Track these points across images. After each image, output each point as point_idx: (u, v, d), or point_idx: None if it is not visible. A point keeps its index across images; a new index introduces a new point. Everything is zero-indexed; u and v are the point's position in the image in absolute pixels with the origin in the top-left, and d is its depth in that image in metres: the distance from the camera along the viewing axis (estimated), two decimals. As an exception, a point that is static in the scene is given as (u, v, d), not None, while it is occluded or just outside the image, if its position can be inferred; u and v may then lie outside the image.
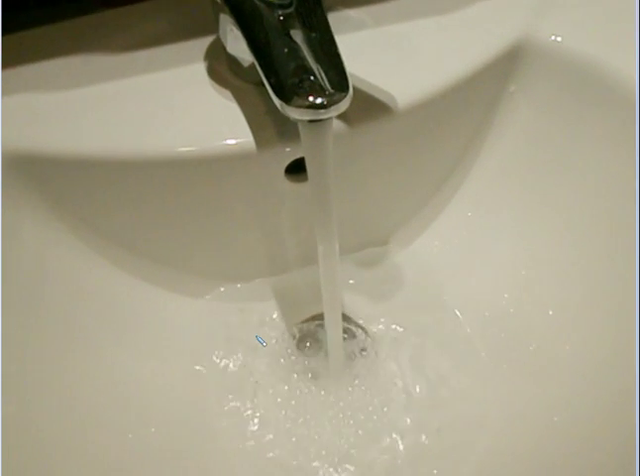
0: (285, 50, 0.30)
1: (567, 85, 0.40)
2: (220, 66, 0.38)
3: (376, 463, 0.40)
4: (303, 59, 0.29)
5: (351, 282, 0.47)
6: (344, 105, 0.28)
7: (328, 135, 0.30)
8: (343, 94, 0.28)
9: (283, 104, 0.28)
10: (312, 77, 0.29)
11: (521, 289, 0.44)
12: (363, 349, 0.44)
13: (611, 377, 0.38)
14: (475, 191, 0.46)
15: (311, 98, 0.28)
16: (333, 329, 0.40)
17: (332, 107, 0.28)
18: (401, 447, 0.40)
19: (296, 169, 0.39)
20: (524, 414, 0.41)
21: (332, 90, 0.28)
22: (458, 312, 0.45)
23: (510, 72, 0.41)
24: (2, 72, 0.37)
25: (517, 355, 0.43)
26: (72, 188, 0.37)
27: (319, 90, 0.28)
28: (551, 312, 0.43)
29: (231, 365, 0.43)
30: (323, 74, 0.29)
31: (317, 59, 0.29)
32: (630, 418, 0.35)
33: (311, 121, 0.29)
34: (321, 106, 0.28)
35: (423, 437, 0.41)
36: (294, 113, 0.28)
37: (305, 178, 0.39)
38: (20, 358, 0.34)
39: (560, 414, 0.39)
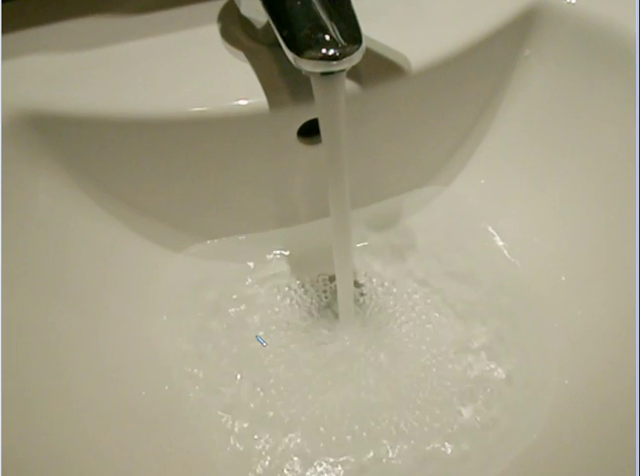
0: (298, 3, 0.30)
1: (581, 48, 0.40)
2: (233, 28, 0.38)
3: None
4: (316, 13, 0.29)
5: (360, 244, 0.47)
6: (356, 57, 0.28)
7: (341, 89, 0.30)
8: (355, 47, 0.28)
9: (296, 57, 0.28)
10: (325, 31, 0.29)
11: (533, 255, 0.44)
12: (373, 305, 0.45)
13: (623, 343, 0.38)
14: (488, 157, 0.46)
15: (324, 50, 0.28)
16: (344, 288, 0.40)
17: (344, 59, 0.28)
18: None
19: (309, 132, 0.39)
20: (536, 379, 0.41)
21: (344, 43, 0.28)
22: (470, 279, 0.45)
23: (525, 36, 0.41)
24: (16, 34, 0.38)
25: (529, 321, 0.43)
26: (86, 147, 0.37)
27: (332, 43, 0.28)
28: (563, 278, 0.43)
29: (240, 318, 0.44)
30: (336, 28, 0.29)
31: (330, 14, 0.29)
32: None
33: (324, 74, 0.29)
34: (333, 58, 0.28)
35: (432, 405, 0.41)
36: (307, 65, 0.28)
37: (317, 141, 0.40)
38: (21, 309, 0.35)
39: (570, 377, 0.39)
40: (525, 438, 0.39)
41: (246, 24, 0.38)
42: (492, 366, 0.42)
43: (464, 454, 0.39)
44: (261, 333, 0.43)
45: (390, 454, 0.39)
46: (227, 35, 0.38)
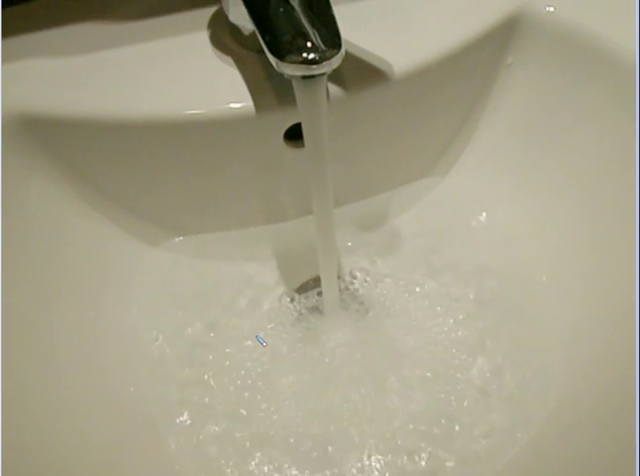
0: (281, 10, 0.31)
1: (561, 54, 0.41)
2: (223, 35, 0.39)
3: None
4: (298, 20, 0.31)
5: (346, 240, 0.48)
6: (336, 62, 0.29)
7: (321, 92, 0.31)
8: (335, 51, 0.29)
9: (278, 61, 0.30)
10: (306, 37, 0.30)
11: (516, 255, 0.45)
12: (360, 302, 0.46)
13: (613, 341, 0.39)
14: (472, 162, 0.47)
15: (304, 54, 0.29)
16: (328, 285, 0.41)
17: (324, 63, 0.29)
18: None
19: (296, 135, 0.40)
20: (529, 378, 0.42)
21: (325, 48, 0.29)
22: (453, 279, 0.46)
23: (507, 44, 0.42)
24: (11, 39, 0.39)
25: (510, 322, 0.44)
26: (77, 149, 0.38)
27: (312, 48, 0.29)
28: (544, 279, 0.44)
29: (221, 312, 0.45)
30: (317, 34, 0.30)
31: (311, 19, 0.30)
32: (623, 381, 0.36)
33: (305, 77, 0.30)
34: (313, 62, 0.29)
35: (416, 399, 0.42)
36: (288, 69, 0.29)
37: (304, 145, 0.41)
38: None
39: (565, 375, 0.40)
40: (521, 438, 0.39)
41: (234, 31, 0.39)
42: (481, 363, 0.42)
43: (458, 454, 0.39)
44: (250, 331, 0.44)
45: (385, 454, 0.39)
46: (216, 41, 0.39)
